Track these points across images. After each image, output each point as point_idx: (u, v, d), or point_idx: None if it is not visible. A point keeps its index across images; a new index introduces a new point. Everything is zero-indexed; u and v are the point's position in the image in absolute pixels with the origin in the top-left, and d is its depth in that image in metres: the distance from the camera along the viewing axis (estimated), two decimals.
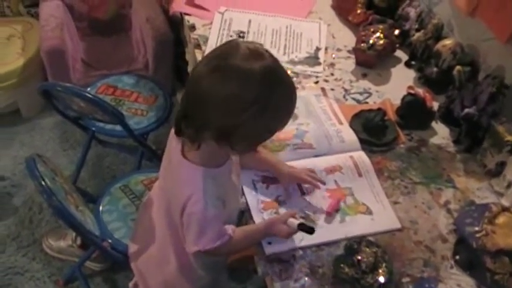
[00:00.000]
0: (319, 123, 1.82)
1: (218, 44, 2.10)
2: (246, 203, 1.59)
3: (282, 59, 2.05)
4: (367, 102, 1.96)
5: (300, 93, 1.90)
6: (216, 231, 1.39)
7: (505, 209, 1.51)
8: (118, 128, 2.26)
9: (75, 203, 1.81)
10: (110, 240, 1.95)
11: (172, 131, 1.43)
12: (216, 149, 1.30)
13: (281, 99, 1.26)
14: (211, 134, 1.26)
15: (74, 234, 2.41)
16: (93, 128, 2.48)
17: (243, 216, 1.60)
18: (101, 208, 2.07)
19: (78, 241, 2.42)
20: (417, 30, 2.14)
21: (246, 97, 1.20)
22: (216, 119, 1.23)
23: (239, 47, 1.24)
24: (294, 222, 1.43)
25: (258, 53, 1.24)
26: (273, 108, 1.23)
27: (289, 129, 1.78)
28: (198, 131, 1.27)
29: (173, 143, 1.43)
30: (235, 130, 1.23)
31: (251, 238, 1.49)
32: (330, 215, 1.56)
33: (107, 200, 2.10)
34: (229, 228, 1.43)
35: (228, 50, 1.26)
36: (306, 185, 1.63)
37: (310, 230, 1.42)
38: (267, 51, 1.27)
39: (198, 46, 2.14)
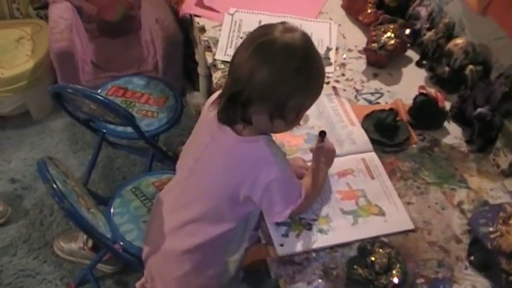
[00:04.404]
0: (331, 125, 1.81)
1: (229, 46, 2.11)
2: None
3: None
4: (378, 103, 1.95)
5: None
6: (298, 184, 1.48)
7: None
8: (129, 129, 2.26)
9: (87, 206, 1.81)
10: (121, 243, 1.95)
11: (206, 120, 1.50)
12: (268, 124, 1.38)
13: (319, 61, 1.38)
14: (266, 108, 1.34)
15: (85, 236, 2.42)
16: (104, 130, 2.48)
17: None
18: (112, 210, 2.07)
19: (90, 243, 2.42)
20: (428, 29, 2.12)
21: (296, 64, 1.32)
22: (273, 92, 1.32)
23: (274, 25, 1.36)
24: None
25: (291, 27, 1.36)
26: (315, 71, 1.37)
27: (300, 134, 1.78)
28: (248, 110, 1.35)
29: (217, 134, 1.45)
30: (291, 98, 1.33)
31: (316, 178, 1.55)
32: None
33: (118, 202, 2.10)
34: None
35: (263, 31, 1.37)
36: None
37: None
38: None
39: (208, 48, 2.13)
